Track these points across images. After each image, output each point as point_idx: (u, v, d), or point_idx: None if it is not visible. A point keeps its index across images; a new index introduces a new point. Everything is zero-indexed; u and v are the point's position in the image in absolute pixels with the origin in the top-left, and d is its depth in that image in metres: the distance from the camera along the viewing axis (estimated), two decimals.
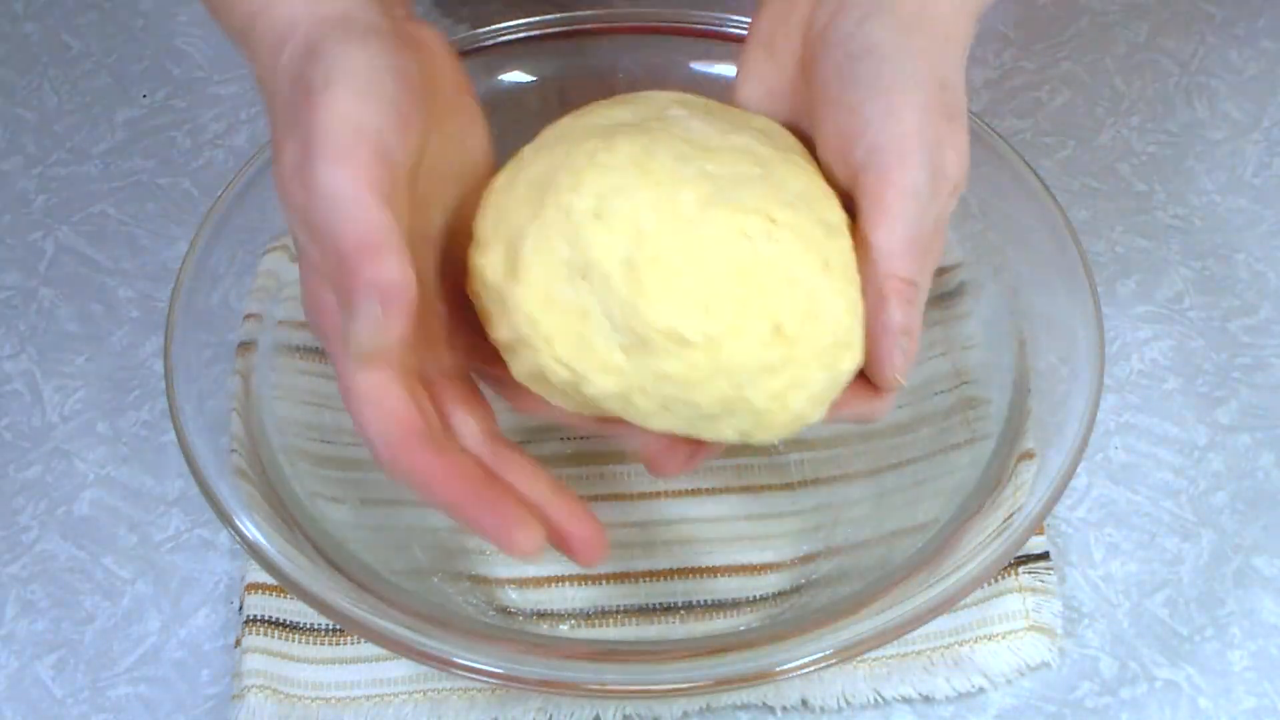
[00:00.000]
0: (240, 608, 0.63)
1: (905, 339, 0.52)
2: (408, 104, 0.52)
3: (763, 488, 0.66)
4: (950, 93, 0.53)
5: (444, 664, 0.54)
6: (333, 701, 0.60)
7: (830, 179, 0.54)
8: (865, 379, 0.54)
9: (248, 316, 0.65)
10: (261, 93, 0.54)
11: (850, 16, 0.54)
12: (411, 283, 0.49)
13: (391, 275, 0.49)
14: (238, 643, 0.62)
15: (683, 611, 0.63)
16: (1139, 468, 0.67)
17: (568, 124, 0.56)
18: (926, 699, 0.61)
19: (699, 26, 0.71)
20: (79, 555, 0.66)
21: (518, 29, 0.71)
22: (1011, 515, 0.57)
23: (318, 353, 0.66)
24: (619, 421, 0.53)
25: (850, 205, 0.54)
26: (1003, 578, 0.62)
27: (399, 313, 0.49)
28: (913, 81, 0.53)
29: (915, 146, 0.52)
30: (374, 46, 0.52)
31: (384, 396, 0.50)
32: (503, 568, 0.64)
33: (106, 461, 0.69)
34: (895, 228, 0.52)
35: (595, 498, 0.66)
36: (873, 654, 0.60)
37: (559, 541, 0.52)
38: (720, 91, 0.64)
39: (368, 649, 0.61)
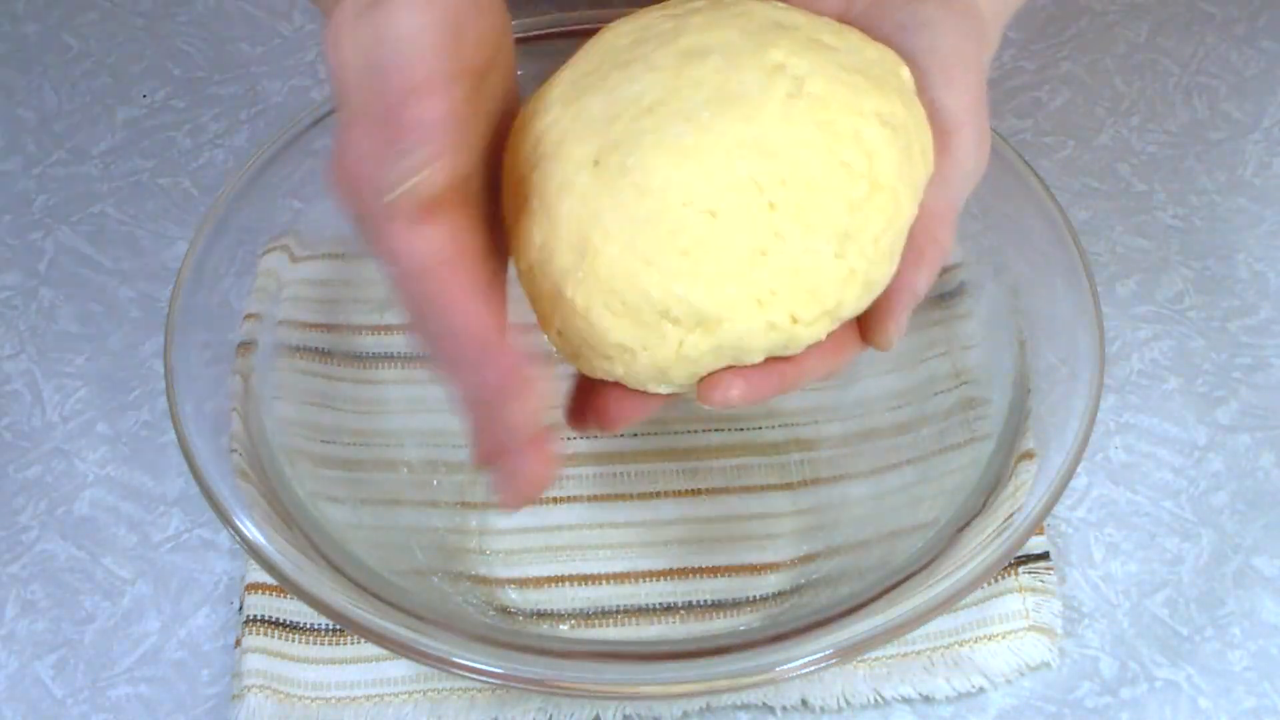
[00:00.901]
0: (240, 608, 0.63)
1: (914, 302, 0.52)
2: (478, 12, 0.48)
3: (763, 488, 0.66)
4: (985, 87, 0.53)
5: (444, 664, 0.53)
6: (333, 701, 0.60)
7: None
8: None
9: (248, 316, 0.65)
10: (331, 42, 0.49)
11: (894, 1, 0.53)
12: (466, 130, 0.46)
13: (446, 118, 0.45)
14: (238, 643, 0.62)
15: (683, 611, 0.63)
16: (1139, 468, 0.67)
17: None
18: (926, 699, 0.61)
19: None
20: (79, 555, 0.66)
21: (518, 29, 0.71)
22: (1011, 515, 0.57)
23: (318, 353, 0.66)
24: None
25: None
26: (1003, 578, 0.62)
27: (450, 150, 0.46)
28: (969, 61, 0.52)
29: (972, 120, 0.52)
30: None
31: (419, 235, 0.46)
32: (503, 568, 0.64)
33: (106, 461, 0.69)
34: (948, 193, 0.51)
35: (595, 498, 0.66)
36: (873, 654, 0.60)
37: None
38: None
39: (368, 649, 0.61)
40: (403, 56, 0.46)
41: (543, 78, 0.71)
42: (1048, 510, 0.57)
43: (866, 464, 0.65)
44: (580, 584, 0.63)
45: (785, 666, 0.53)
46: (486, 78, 0.50)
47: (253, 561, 0.61)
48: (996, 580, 0.62)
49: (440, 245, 0.46)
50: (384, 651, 0.59)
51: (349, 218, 0.47)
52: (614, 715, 0.60)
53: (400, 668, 0.61)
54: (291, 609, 0.62)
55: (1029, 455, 0.59)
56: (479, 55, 0.49)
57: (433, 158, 0.45)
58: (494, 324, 0.46)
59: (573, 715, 0.60)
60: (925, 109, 0.51)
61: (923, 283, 0.52)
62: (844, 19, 0.54)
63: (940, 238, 0.52)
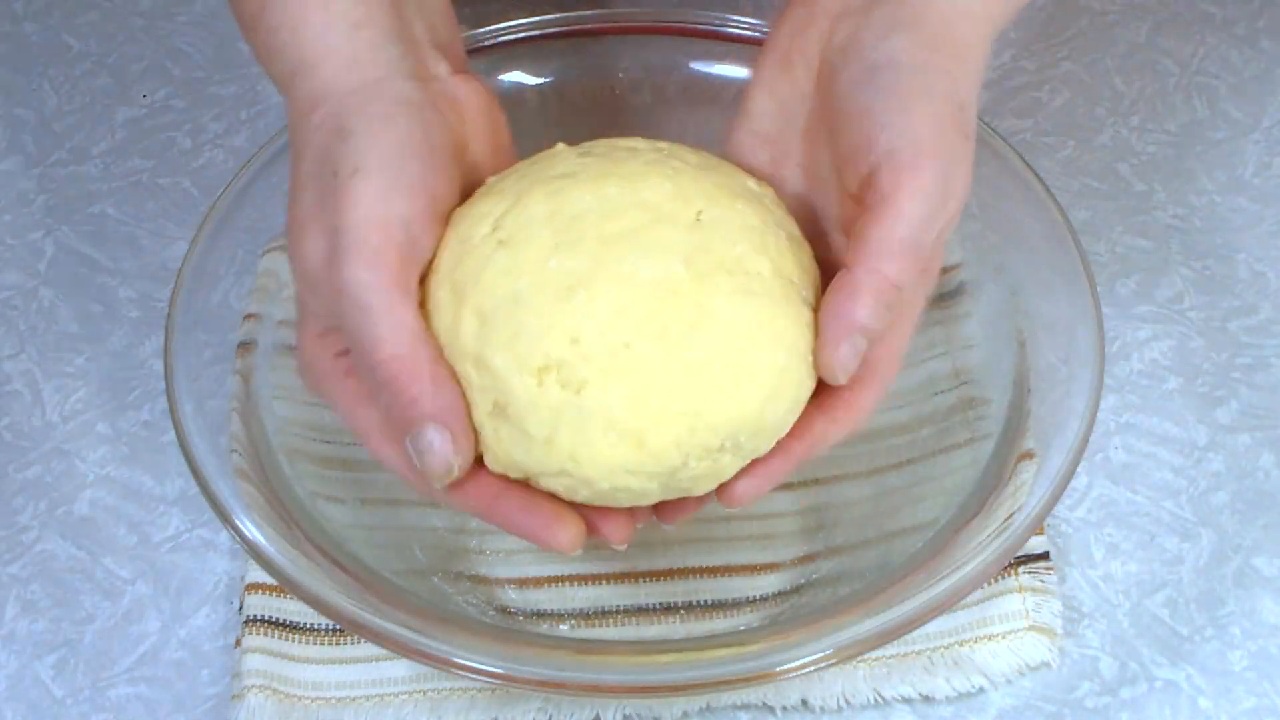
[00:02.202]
0: (240, 608, 0.63)
1: (862, 339, 0.52)
2: (437, 185, 0.54)
3: None
4: (965, 113, 0.53)
5: (444, 664, 0.53)
6: (333, 701, 0.60)
7: (841, 187, 0.54)
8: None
9: (248, 316, 0.65)
10: (289, 149, 0.56)
11: (872, 31, 0.54)
12: (457, 393, 0.52)
13: (440, 397, 0.51)
14: (238, 643, 0.62)
15: (683, 611, 0.63)
16: (1139, 468, 0.67)
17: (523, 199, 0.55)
18: (926, 699, 0.61)
19: (699, 26, 0.71)
20: (79, 555, 0.66)
21: (518, 29, 0.71)
22: (1011, 515, 0.57)
23: None
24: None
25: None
26: (1003, 578, 0.62)
27: (462, 427, 0.52)
28: (932, 93, 0.53)
29: (931, 153, 0.52)
30: (402, 124, 0.53)
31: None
32: (502, 568, 0.64)
33: (106, 461, 0.69)
34: (896, 226, 0.51)
35: None
36: (873, 654, 0.60)
37: (592, 530, 0.53)
38: (720, 90, 0.64)
39: (368, 649, 0.61)
40: (369, 325, 0.51)
41: (544, 78, 0.71)
42: (1048, 510, 0.57)
43: (866, 464, 0.65)
44: (580, 584, 0.63)
45: (785, 666, 0.53)
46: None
47: (253, 561, 0.62)
48: (996, 580, 0.62)
49: (479, 495, 0.53)
50: (384, 651, 0.59)
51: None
52: (614, 715, 0.60)
53: (400, 668, 0.61)
54: (291, 609, 0.62)
55: (1029, 455, 0.59)
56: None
57: (455, 442, 0.51)
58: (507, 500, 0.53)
59: (573, 715, 0.60)
60: (879, 153, 0.52)
61: (863, 312, 0.51)
62: (825, 51, 0.55)
63: (885, 270, 0.51)
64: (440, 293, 0.53)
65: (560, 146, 0.56)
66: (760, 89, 0.58)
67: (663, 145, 0.56)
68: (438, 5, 0.59)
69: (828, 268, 0.55)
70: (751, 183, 0.56)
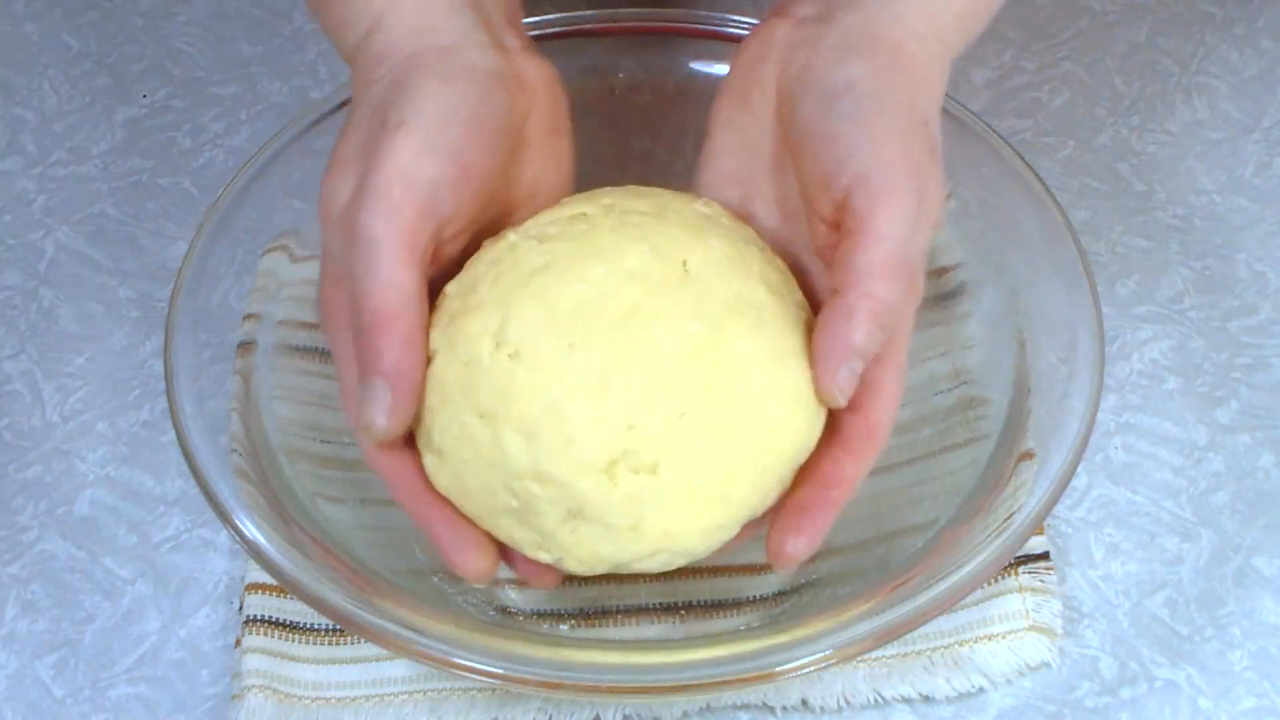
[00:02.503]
0: (240, 608, 0.63)
1: (858, 361, 0.52)
2: (473, 152, 0.54)
3: None
4: (929, 129, 0.54)
5: (444, 664, 0.53)
6: (333, 701, 0.60)
7: (813, 214, 0.55)
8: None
9: (248, 316, 0.65)
10: (353, 97, 0.56)
11: (827, 58, 0.55)
12: (419, 366, 0.53)
13: (403, 359, 0.52)
14: (238, 643, 0.62)
15: (683, 611, 0.63)
16: (1139, 468, 0.67)
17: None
18: (926, 699, 0.61)
19: (699, 26, 0.71)
20: (79, 555, 0.66)
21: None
22: (1011, 515, 0.57)
23: (318, 353, 0.66)
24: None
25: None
26: (1003, 578, 0.62)
27: (404, 400, 0.53)
28: (894, 114, 0.53)
29: (902, 172, 0.52)
30: (460, 87, 0.54)
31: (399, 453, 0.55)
32: (503, 568, 0.64)
33: (106, 461, 0.69)
34: (881, 248, 0.52)
35: None
36: (873, 654, 0.60)
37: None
38: (718, 89, 0.64)
39: (368, 649, 0.61)
40: (368, 272, 0.52)
41: None
42: (1048, 510, 0.57)
43: None
44: (580, 584, 0.63)
45: (785, 666, 0.53)
46: (519, 188, 0.58)
47: (253, 561, 0.61)
48: (996, 580, 0.62)
49: (398, 471, 0.55)
50: (384, 651, 0.60)
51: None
52: (614, 715, 0.60)
53: (400, 668, 0.61)
54: (291, 609, 0.62)
55: (1029, 455, 0.59)
56: (479, 198, 0.55)
57: (392, 408, 0.52)
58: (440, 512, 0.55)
59: (573, 715, 0.60)
60: (849, 178, 0.52)
61: (858, 336, 0.52)
62: (781, 83, 0.56)
63: (875, 292, 0.52)
64: (465, 420, 0.53)
65: (510, 236, 0.56)
66: (721, 129, 0.59)
67: (604, 199, 0.57)
68: None
69: (807, 293, 0.57)
70: (699, 205, 0.57)
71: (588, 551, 0.53)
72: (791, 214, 0.57)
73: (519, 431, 0.52)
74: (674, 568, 0.54)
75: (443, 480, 0.54)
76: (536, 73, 0.58)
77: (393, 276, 0.52)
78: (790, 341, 0.54)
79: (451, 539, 0.54)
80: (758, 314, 0.54)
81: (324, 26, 0.59)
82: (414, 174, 0.52)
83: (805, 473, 0.55)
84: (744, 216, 0.58)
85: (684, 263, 0.54)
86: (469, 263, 0.56)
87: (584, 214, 0.56)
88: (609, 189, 0.58)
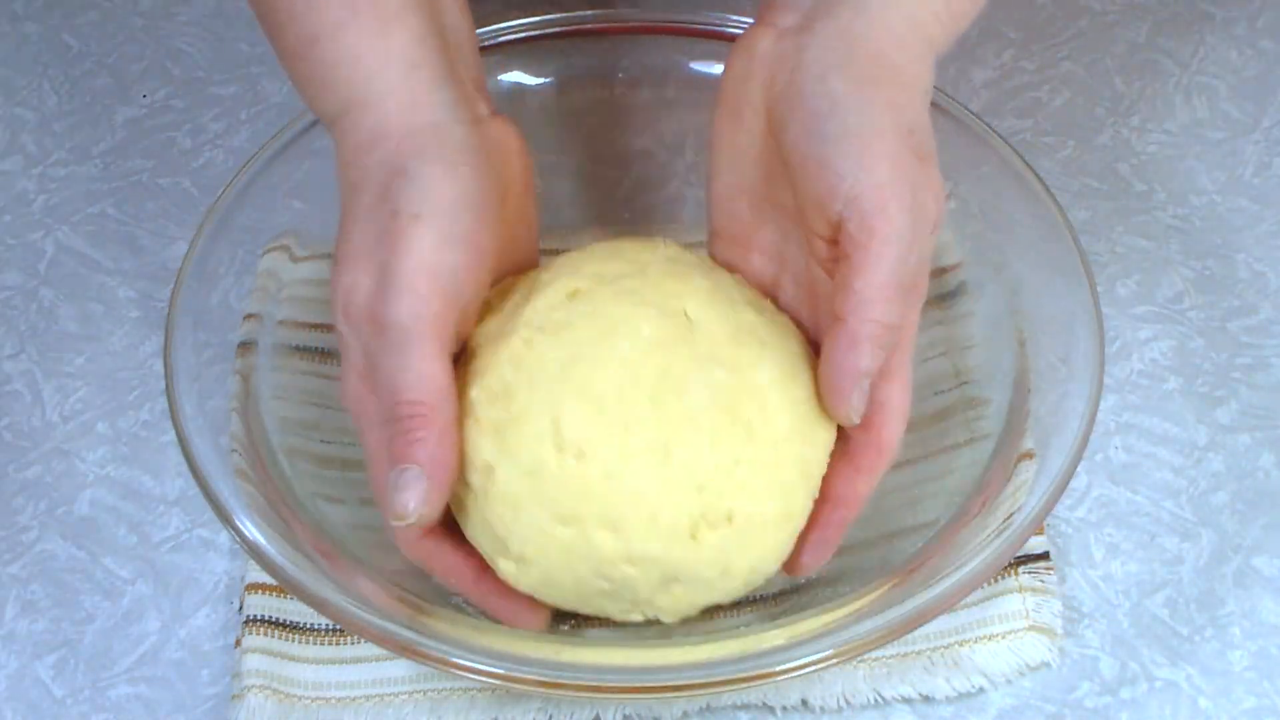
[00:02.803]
0: (240, 608, 0.63)
1: (867, 380, 0.54)
2: (484, 238, 0.55)
3: None
4: (918, 136, 0.54)
5: (444, 664, 0.54)
6: (333, 701, 0.60)
7: (810, 231, 0.55)
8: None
9: (248, 316, 0.65)
10: (340, 181, 0.57)
11: (809, 74, 0.55)
12: (455, 455, 0.54)
13: (440, 450, 0.53)
14: (238, 643, 0.62)
15: None
16: (1139, 468, 0.67)
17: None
18: (926, 699, 0.61)
19: (699, 26, 0.71)
20: (79, 555, 0.66)
21: (518, 29, 0.71)
22: (1011, 515, 0.57)
23: (318, 353, 0.66)
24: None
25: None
26: (1003, 578, 0.62)
27: (440, 488, 0.54)
28: (880, 129, 0.53)
29: (893, 193, 0.53)
30: (464, 172, 0.55)
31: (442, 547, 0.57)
32: None
33: (106, 461, 0.69)
34: (877, 273, 0.53)
35: None
36: (873, 654, 0.60)
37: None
38: (718, 89, 0.64)
39: (368, 649, 0.61)
40: (401, 366, 0.53)
41: (544, 78, 0.71)
42: (1048, 510, 0.57)
43: None
44: None
45: (785, 666, 0.53)
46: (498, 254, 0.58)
47: (253, 561, 0.61)
48: (996, 580, 0.62)
49: (435, 558, 0.57)
50: (384, 651, 0.59)
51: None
52: (614, 715, 0.60)
53: (400, 668, 0.61)
54: (291, 609, 0.62)
55: (1029, 455, 0.59)
56: (487, 281, 0.57)
57: (429, 494, 0.53)
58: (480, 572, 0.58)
59: (573, 715, 0.60)
60: (842, 203, 0.53)
61: (865, 360, 0.53)
62: (768, 101, 0.56)
63: (875, 315, 0.53)
64: (545, 526, 0.56)
65: (522, 332, 0.57)
66: (720, 143, 0.60)
67: (585, 268, 0.59)
68: (471, 44, 0.61)
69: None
70: (662, 248, 0.61)
71: (684, 605, 0.57)
72: (792, 226, 0.59)
73: (604, 526, 0.55)
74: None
75: (528, 582, 0.57)
76: (510, 139, 0.59)
77: (426, 369, 0.53)
78: (791, 348, 0.58)
79: (509, 610, 0.58)
80: (757, 338, 0.58)
81: (296, 81, 0.58)
82: (436, 265, 0.53)
83: (820, 491, 0.58)
84: (755, 229, 0.60)
85: (684, 312, 0.58)
86: (483, 360, 0.57)
87: (577, 290, 0.58)
88: (574, 253, 0.60)
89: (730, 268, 0.61)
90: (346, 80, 0.56)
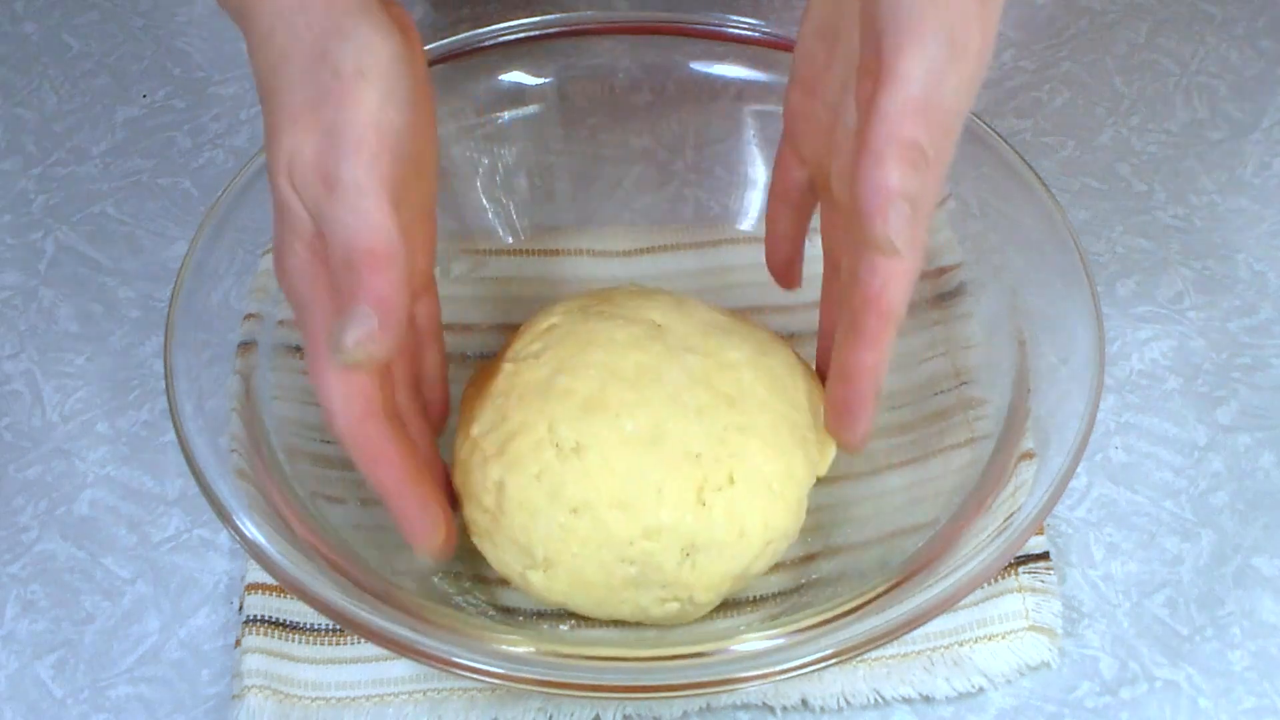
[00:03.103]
0: (240, 608, 0.63)
1: (904, 203, 0.51)
2: (418, 99, 0.55)
3: None
4: None
5: (444, 664, 0.54)
6: (333, 701, 0.60)
7: (862, 67, 0.54)
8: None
9: (248, 316, 0.65)
10: (261, 49, 0.55)
11: None
12: (406, 305, 0.53)
13: (393, 293, 0.52)
14: (238, 643, 0.62)
15: None
16: (1139, 468, 0.67)
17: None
18: (926, 699, 0.61)
19: (699, 26, 0.71)
20: (79, 555, 0.66)
21: (518, 29, 0.71)
22: (1011, 515, 0.57)
23: None
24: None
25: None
26: (1003, 578, 0.62)
27: (391, 329, 0.53)
28: None
29: (929, 14, 0.51)
30: (396, 39, 0.54)
31: (353, 374, 0.54)
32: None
33: (106, 461, 0.69)
34: (903, 89, 0.51)
35: None
36: (873, 654, 0.60)
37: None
38: (720, 90, 0.64)
39: (368, 649, 0.61)
40: (356, 219, 0.52)
41: (544, 78, 0.71)
42: (1048, 510, 0.57)
43: (866, 464, 0.65)
44: None
45: (785, 666, 0.53)
46: (419, 184, 0.57)
47: (253, 561, 0.61)
48: (996, 580, 0.62)
49: (373, 442, 0.56)
50: (384, 651, 0.59)
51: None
52: (614, 715, 0.60)
53: (400, 668, 0.61)
54: (291, 609, 0.62)
55: (1029, 455, 0.59)
56: (423, 145, 0.56)
57: (377, 333, 0.52)
58: (409, 474, 0.56)
59: (573, 715, 0.60)
60: (882, 14, 0.51)
61: (893, 176, 0.50)
62: None
63: (901, 132, 0.50)
64: (561, 521, 0.58)
65: (506, 366, 0.61)
66: None
67: (558, 309, 0.63)
68: None
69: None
70: (626, 285, 0.65)
71: (714, 575, 0.59)
72: (855, 69, 0.56)
73: (614, 507, 0.58)
74: (780, 558, 0.61)
75: (559, 586, 0.59)
76: (408, 19, 0.58)
77: (380, 221, 0.52)
78: (757, 334, 0.63)
79: (417, 517, 0.57)
80: (723, 329, 0.63)
81: None
82: (384, 122, 0.53)
83: (833, 370, 0.57)
84: (824, 70, 0.60)
85: (652, 320, 0.62)
86: (478, 406, 0.61)
87: (553, 325, 0.63)
88: (547, 309, 0.64)
89: (797, 114, 0.61)
90: None
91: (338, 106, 0.53)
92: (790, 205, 0.64)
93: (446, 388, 0.64)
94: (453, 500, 0.61)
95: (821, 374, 0.64)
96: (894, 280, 0.53)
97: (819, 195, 0.63)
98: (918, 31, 0.51)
